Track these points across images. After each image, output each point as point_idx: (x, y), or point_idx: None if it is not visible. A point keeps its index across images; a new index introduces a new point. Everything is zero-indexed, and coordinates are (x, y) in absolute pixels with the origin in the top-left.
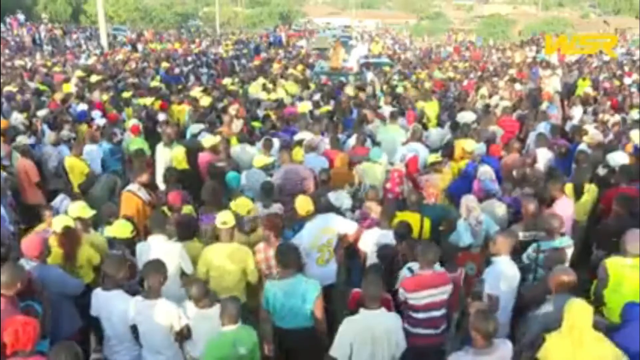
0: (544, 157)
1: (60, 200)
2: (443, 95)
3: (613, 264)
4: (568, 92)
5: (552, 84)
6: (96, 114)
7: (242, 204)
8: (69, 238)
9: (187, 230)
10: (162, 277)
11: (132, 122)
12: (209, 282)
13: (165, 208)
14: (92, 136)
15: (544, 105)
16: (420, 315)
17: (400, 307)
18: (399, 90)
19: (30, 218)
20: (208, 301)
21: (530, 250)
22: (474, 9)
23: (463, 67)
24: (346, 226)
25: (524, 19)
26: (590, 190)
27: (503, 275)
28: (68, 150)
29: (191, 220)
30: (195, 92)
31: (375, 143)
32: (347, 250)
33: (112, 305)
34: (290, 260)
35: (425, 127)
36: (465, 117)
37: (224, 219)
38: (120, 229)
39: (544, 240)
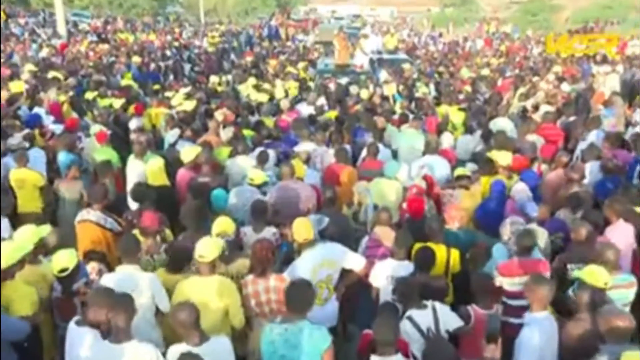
0: (594, 172)
1: None
2: (472, 98)
3: None
4: (630, 93)
5: (608, 83)
6: (49, 118)
7: (216, 224)
8: None
9: (178, 262)
10: (131, 315)
11: (96, 127)
12: None
13: (137, 232)
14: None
15: (597, 109)
16: (516, 303)
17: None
18: (420, 92)
19: None
20: (199, 336)
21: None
22: None
23: (497, 64)
24: (351, 260)
25: (573, 3)
26: None
27: (540, 345)
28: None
29: (186, 250)
30: (175, 93)
31: (392, 151)
32: (355, 285)
33: (76, 344)
34: (300, 303)
35: None
36: (500, 124)
37: (200, 252)
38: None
39: None
